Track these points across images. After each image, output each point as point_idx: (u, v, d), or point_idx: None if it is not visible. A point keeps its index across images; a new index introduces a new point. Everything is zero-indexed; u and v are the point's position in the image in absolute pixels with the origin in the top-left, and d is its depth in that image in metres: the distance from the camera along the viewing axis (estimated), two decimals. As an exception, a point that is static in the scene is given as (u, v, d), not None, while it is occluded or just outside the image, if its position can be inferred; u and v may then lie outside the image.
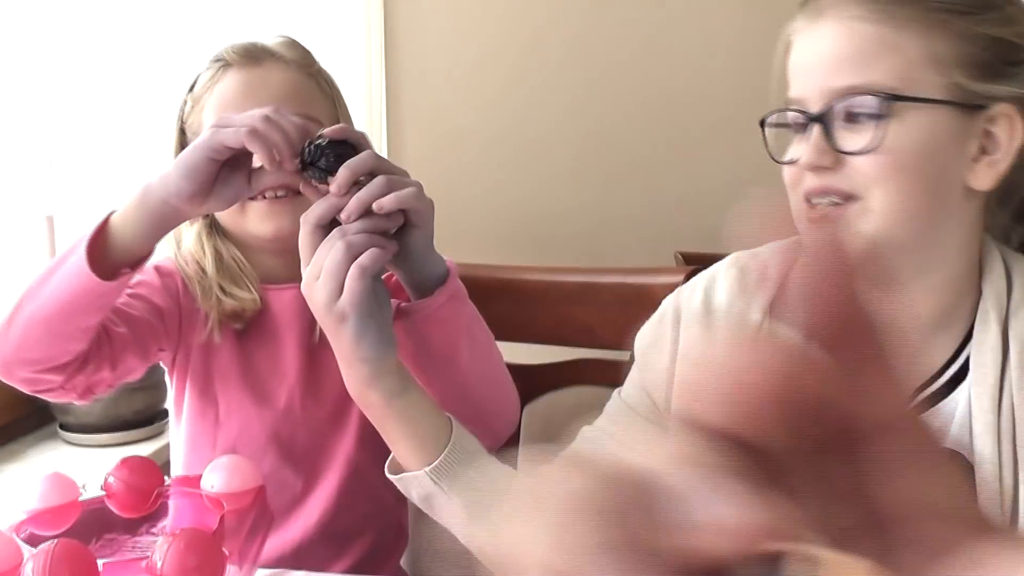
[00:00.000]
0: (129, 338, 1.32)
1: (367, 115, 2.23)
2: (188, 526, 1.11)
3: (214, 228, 1.44)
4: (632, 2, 2.24)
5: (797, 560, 0.46)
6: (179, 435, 1.49)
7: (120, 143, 1.94)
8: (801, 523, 0.46)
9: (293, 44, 1.46)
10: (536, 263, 1.66)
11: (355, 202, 1.10)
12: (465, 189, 2.27)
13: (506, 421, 1.39)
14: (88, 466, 1.81)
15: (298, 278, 1.14)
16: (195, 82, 1.43)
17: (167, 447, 1.58)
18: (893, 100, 1.00)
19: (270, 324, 1.45)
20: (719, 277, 1.25)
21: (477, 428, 1.24)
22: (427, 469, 1.16)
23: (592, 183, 2.26)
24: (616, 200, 2.25)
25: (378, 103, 2.27)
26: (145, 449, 1.89)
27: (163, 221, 1.20)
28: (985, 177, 1.04)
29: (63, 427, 1.94)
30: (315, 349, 1.44)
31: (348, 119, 1.49)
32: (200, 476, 1.17)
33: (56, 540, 0.95)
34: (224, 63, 1.40)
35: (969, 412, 1.10)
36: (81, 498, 1.16)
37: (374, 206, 1.11)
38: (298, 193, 1.22)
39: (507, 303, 1.59)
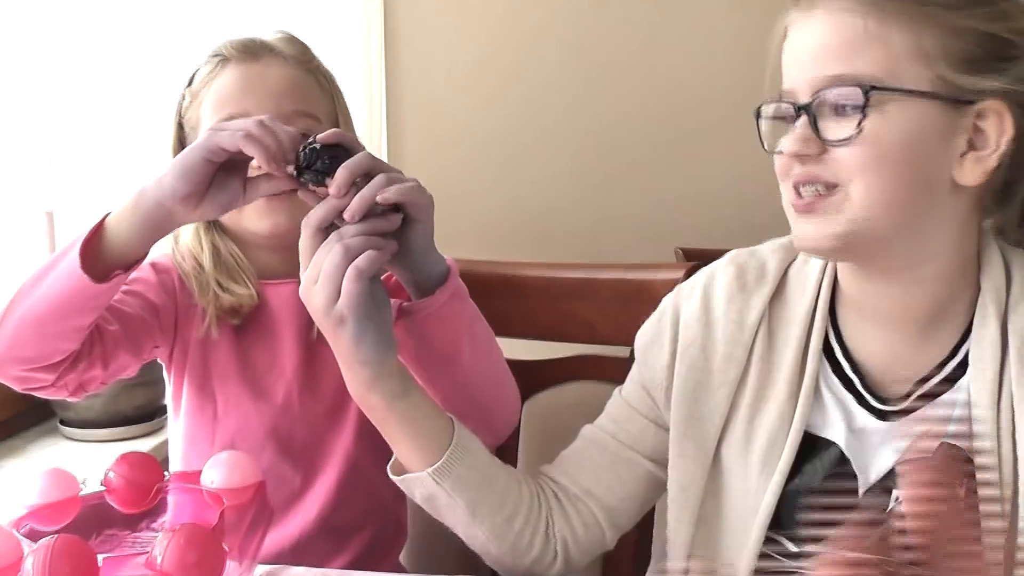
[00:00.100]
0: (121, 336, 1.32)
1: (367, 112, 2.23)
2: (188, 522, 1.11)
3: (212, 224, 1.44)
4: (632, 0, 2.23)
5: None
6: (177, 431, 1.49)
7: (120, 139, 1.94)
8: None
9: (291, 40, 1.46)
10: (536, 260, 1.65)
11: (358, 200, 1.10)
12: (465, 186, 2.27)
13: (507, 419, 1.39)
14: (88, 462, 1.80)
15: (296, 273, 1.14)
16: (193, 77, 1.43)
17: (167, 443, 1.58)
18: (874, 91, 1.01)
19: (268, 320, 1.45)
20: (717, 275, 1.26)
21: (478, 426, 1.25)
22: (429, 470, 1.17)
23: (592, 180, 2.26)
24: (616, 197, 2.25)
25: (378, 100, 2.26)
26: (145, 445, 1.89)
27: (157, 224, 1.19)
28: (972, 173, 1.05)
29: (63, 423, 1.94)
30: (313, 345, 1.44)
31: (347, 115, 1.49)
32: (200, 472, 1.17)
33: (56, 535, 0.95)
34: (222, 58, 1.41)
35: (969, 407, 1.10)
36: (81, 493, 1.16)
37: (379, 198, 1.11)
38: (295, 190, 1.22)
39: (507, 299, 1.59)
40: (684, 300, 1.26)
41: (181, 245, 1.44)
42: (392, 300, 1.19)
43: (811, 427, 1.17)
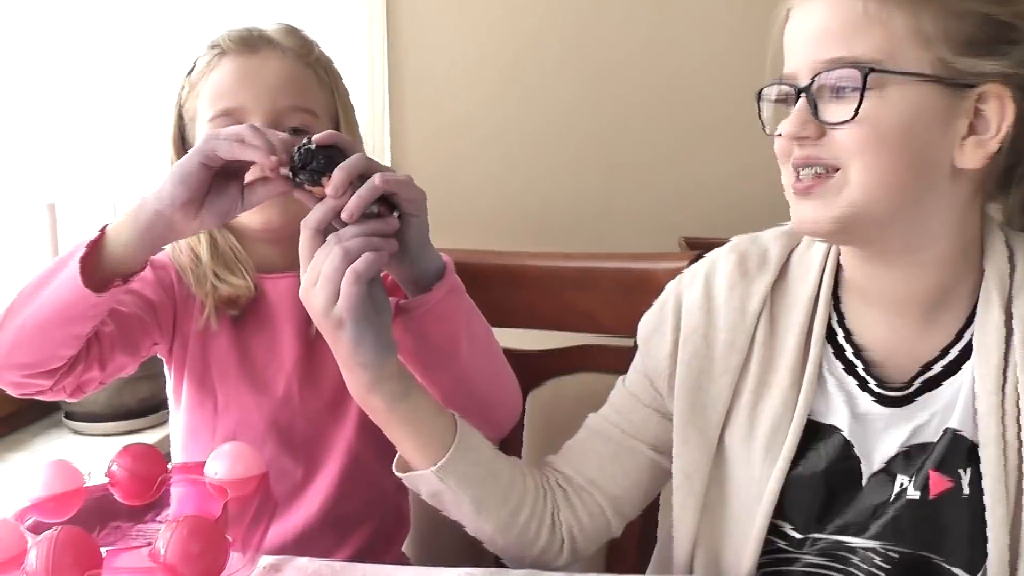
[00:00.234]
0: (118, 336, 1.32)
1: (369, 105, 2.22)
2: (191, 513, 1.11)
3: None
4: (636, -9, 2.23)
5: None
6: (178, 425, 1.49)
7: (122, 131, 1.94)
8: None
9: (291, 31, 1.45)
10: (539, 250, 1.65)
11: (355, 200, 1.10)
12: (468, 177, 2.27)
13: (508, 413, 1.39)
14: (93, 455, 1.81)
15: (294, 267, 1.14)
16: (193, 67, 1.43)
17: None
18: (873, 72, 1.01)
19: (267, 312, 1.45)
20: (719, 262, 1.26)
21: (480, 420, 1.25)
22: (433, 468, 1.17)
23: (596, 170, 2.26)
24: (620, 188, 2.25)
25: (380, 92, 2.26)
26: (150, 437, 1.89)
27: (157, 235, 1.19)
28: (973, 156, 1.04)
29: (68, 416, 1.94)
30: (313, 338, 1.43)
31: (348, 108, 1.49)
32: (203, 463, 1.17)
33: (59, 527, 0.95)
34: (220, 50, 1.40)
35: (973, 393, 1.10)
36: (85, 485, 1.16)
37: (377, 179, 1.11)
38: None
39: (509, 290, 1.59)
40: (686, 288, 1.26)
41: None
42: (390, 299, 1.19)
43: (814, 413, 1.17)
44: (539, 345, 1.62)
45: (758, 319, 1.20)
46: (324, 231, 1.12)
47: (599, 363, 1.58)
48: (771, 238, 1.26)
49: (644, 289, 1.36)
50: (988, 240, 1.13)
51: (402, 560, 1.57)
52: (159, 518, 1.21)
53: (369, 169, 1.12)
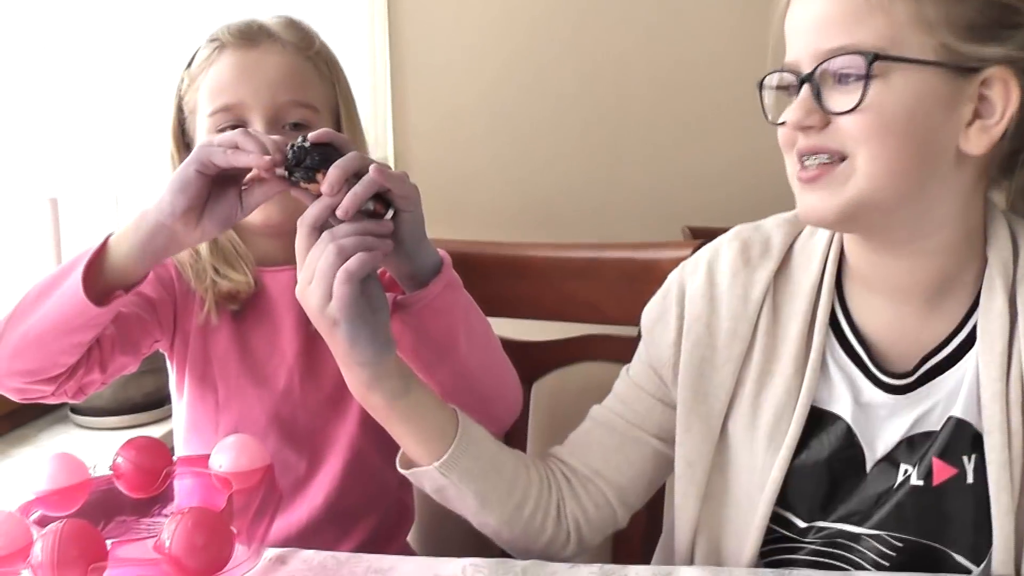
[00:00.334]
0: (118, 338, 1.32)
1: (371, 96, 2.22)
2: (196, 505, 1.11)
3: None
4: (640, -21, 2.23)
5: None
6: (180, 419, 1.50)
7: (123, 125, 1.93)
8: None
9: (291, 24, 1.44)
10: (542, 240, 1.65)
11: (351, 197, 1.09)
12: (470, 168, 2.26)
13: (508, 407, 1.39)
14: (98, 449, 1.81)
15: (295, 260, 1.13)
16: (192, 60, 1.42)
17: (176, 429, 1.58)
18: (877, 59, 1.00)
19: (267, 306, 1.45)
20: (722, 250, 1.26)
21: (480, 415, 1.25)
22: (436, 464, 1.17)
23: (599, 159, 2.25)
24: (623, 176, 2.24)
25: (382, 83, 2.26)
26: (155, 431, 1.89)
27: (158, 246, 1.19)
28: (978, 141, 1.04)
29: (73, 411, 1.94)
30: (313, 332, 1.43)
31: (349, 100, 1.48)
32: (208, 456, 1.18)
33: (64, 520, 0.96)
34: (220, 44, 1.39)
35: (977, 380, 1.10)
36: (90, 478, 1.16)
37: (373, 173, 1.11)
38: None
39: (513, 280, 1.59)
40: (689, 276, 1.26)
41: None
42: (387, 294, 1.19)
43: (817, 401, 1.17)
44: (542, 335, 1.62)
45: (761, 307, 1.20)
46: (320, 229, 1.11)
47: (603, 353, 1.58)
48: (774, 226, 1.26)
49: (647, 278, 1.36)
50: (991, 227, 1.13)
51: (407, 551, 1.57)
52: (165, 512, 1.21)
53: (364, 166, 1.12)
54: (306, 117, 1.38)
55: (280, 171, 1.13)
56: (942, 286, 1.12)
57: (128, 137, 1.93)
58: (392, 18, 2.25)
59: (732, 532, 1.20)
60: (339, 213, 1.09)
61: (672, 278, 1.29)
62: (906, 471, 1.12)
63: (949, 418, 1.11)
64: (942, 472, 1.11)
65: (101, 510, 1.17)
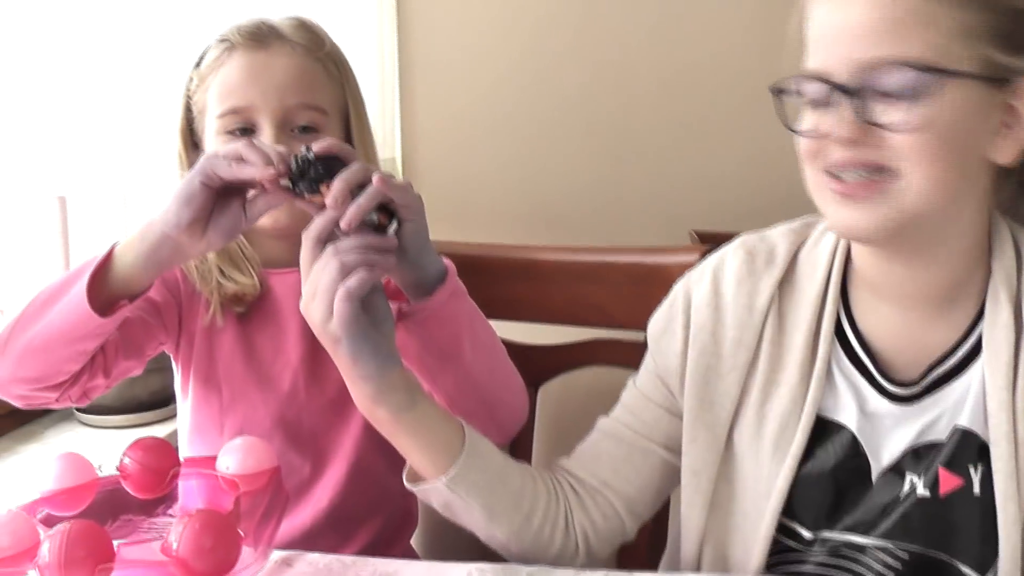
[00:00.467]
0: (121, 343, 1.33)
1: (379, 97, 2.22)
2: (203, 507, 1.11)
3: None
4: (647, -19, 2.22)
5: None
6: (184, 421, 1.50)
7: (132, 123, 1.94)
8: None
9: (301, 25, 1.44)
10: (550, 243, 1.65)
11: (354, 209, 1.09)
12: (478, 170, 2.26)
13: (514, 414, 1.39)
14: (104, 447, 1.81)
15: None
16: (201, 59, 1.42)
17: (182, 429, 1.58)
18: (937, 74, 0.99)
19: (273, 308, 1.45)
20: (727, 259, 1.25)
21: (486, 422, 1.25)
22: (443, 480, 1.16)
23: (606, 162, 2.25)
24: (630, 180, 2.24)
25: (391, 84, 2.25)
26: (161, 430, 1.89)
27: (163, 257, 1.20)
28: (1008, 151, 1.04)
29: (79, 409, 1.94)
30: None
31: (358, 102, 1.48)
32: (215, 457, 1.18)
33: (72, 521, 0.96)
34: (229, 44, 1.39)
35: (983, 390, 1.10)
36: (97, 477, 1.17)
37: (376, 182, 1.11)
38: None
39: (520, 283, 1.59)
40: (695, 285, 1.26)
41: None
42: (392, 304, 1.19)
43: (823, 410, 1.16)
44: (550, 339, 1.62)
45: (766, 316, 1.20)
46: (324, 241, 1.11)
47: (610, 357, 1.58)
48: (778, 235, 1.26)
49: (655, 282, 1.36)
50: (995, 236, 1.13)
51: (410, 554, 1.57)
52: (171, 511, 1.21)
53: (368, 177, 1.12)
54: (315, 120, 1.38)
55: (284, 182, 1.13)
56: (949, 294, 1.12)
57: (136, 136, 1.93)
58: (401, 19, 2.25)
59: (738, 541, 1.20)
60: (342, 225, 1.09)
61: (678, 287, 1.29)
62: (912, 481, 1.12)
63: (955, 428, 1.11)
64: (948, 482, 1.10)
65: (106, 509, 1.17)
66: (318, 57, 1.42)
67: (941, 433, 1.12)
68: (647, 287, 1.41)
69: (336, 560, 1.16)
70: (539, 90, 2.24)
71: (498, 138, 2.27)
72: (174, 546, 0.95)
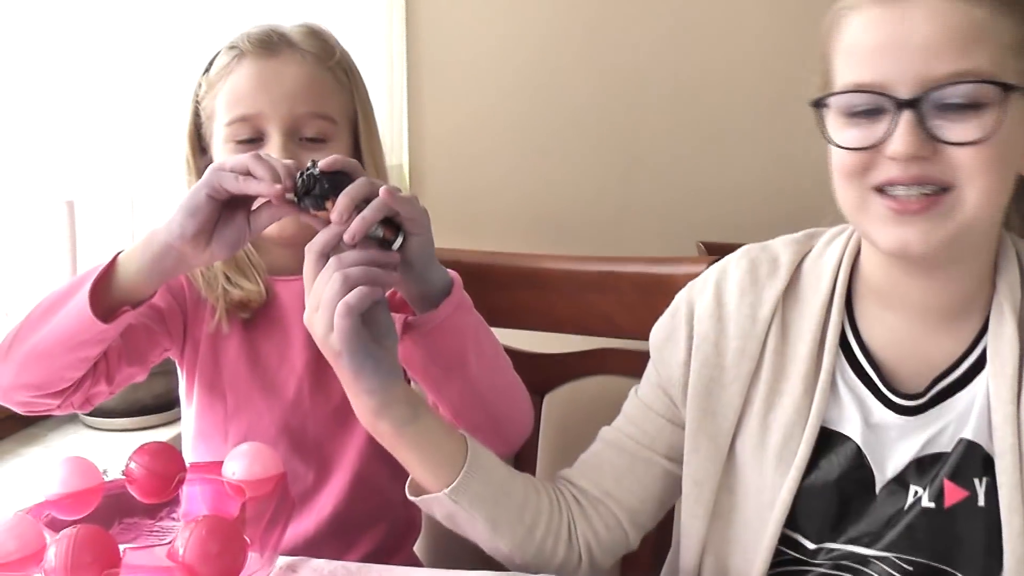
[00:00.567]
0: (124, 350, 1.33)
1: (388, 105, 2.22)
2: (209, 512, 1.11)
3: None
4: (655, -10, 2.23)
5: None
6: (189, 427, 1.50)
7: (140, 127, 1.94)
8: None
9: (312, 33, 1.43)
10: (557, 252, 1.65)
11: (359, 222, 1.10)
12: (486, 178, 2.26)
13: (519, 428, 1.38)
14: (108, 450, 1.81)
15: None
16: (211, 65, 1.42)
17: (187, 433, 1.58)
18: (1001, 88, 0.99)
19: (278, 315, 1.45)
20: (730, 269, 1.25)
21: (491, 435, 1.25)
22: (446, 491, 1.16)
23: (614, 172, 2.25)
24: (638, 190, 2.24)
25: (399, 92, 2.26)
26: (165, 434, 1.90)
27: (167, 266, 1.20)
28: None
29: (83, 412, 1.95)
30: None
31: (367, 110, 1.48)
32: (220, 462, 1.18)
33: (78, 526, 0.96)
34: (239, 51, 1.39)
35: (988, 402, 1.10)
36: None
37: (383, 194, 1.11)
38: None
39: (528, 292, 1.59)
40: (697, 295, 1.26)
41: None
42: (397, 315, 1.19)
43: (827, 422, 1.16)
44: (556, 347, 1.62)
45: (769, 326, 1.20)
46: (328, 255, 1.11)
47: (616, 367, 1.58)
48: (781, 245, 1.26)
49: (662, 292, 1.36)
50: (1001, 251, 1.13)
51: (413, 562, 1.57)
52: (175, 514, 1.21)
53: (374, 193, 1.12)
54: (324, 129, 1.38)
55: (290, 196, 1.13)
56: (958, 307, 1.12)
57: (144, 140, 1.93)
58: (409, 26, 2.26)
59: (740, 552, 1.20)
60: (346, 238, 1.10)
61: (680, 297, 1.29)
62: (916, 492, 1.12)
63: (960, 440, 1.11)
64: (953, 494, 1.10)
65: (110, 511, 1.17)
66: (328, 66, 1.41)
67: (945, 445, 1.12)
68: (654, 297, 1.40)
69: (341, 566, 1.16)
70: (547, 99, 2.24)
71: (506, 146, 2.28)
72: (180, 551, 0.95)
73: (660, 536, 1.49)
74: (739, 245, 1.29)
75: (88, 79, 1.87)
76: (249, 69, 1.38)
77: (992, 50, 0.99)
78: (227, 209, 1.18)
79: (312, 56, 1.40)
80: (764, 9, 2.09)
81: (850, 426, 1.15)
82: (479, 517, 1.18)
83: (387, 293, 1.17)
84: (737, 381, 1.20)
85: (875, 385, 1.15)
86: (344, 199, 1.10)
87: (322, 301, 1.09)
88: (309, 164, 1.13)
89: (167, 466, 1.18)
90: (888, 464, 1.13)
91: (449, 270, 1.26)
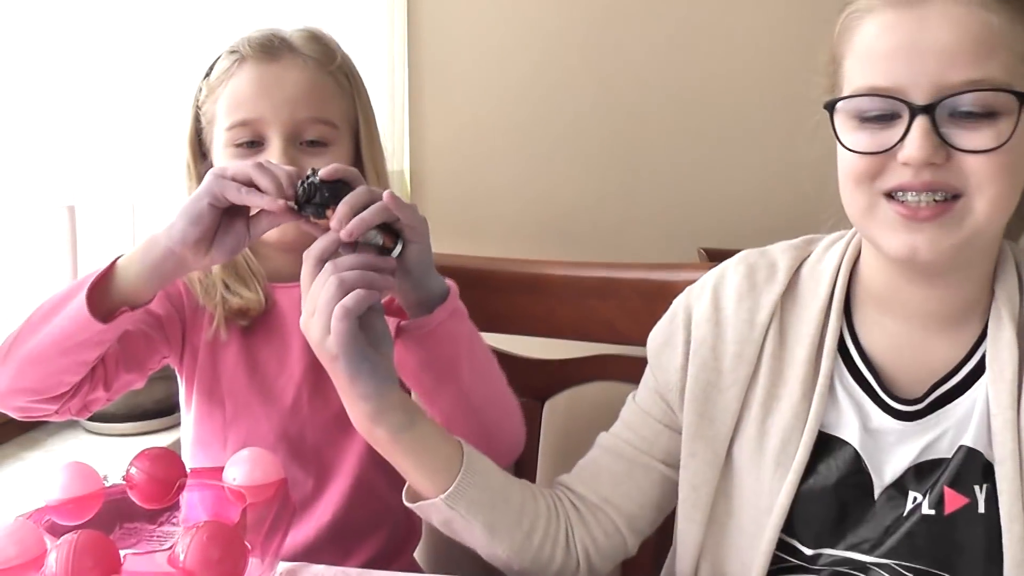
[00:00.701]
0: (122, 356, 1.33)
1: (389, 109, 2.22)
2: (209, 518, 1.11)
3: None
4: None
5: None
6: (188, 433, 1.50)
7: (141, 133, 1.94)
8: None
9: (313, 37, 1.43)
10: (558, 258, 1.65)
11: (357, 221, 1.11)
12: (487, 183, 2.26)
13: (511, 444, 1.38)
14: (108, 455, 1.81)
15: None
16: (211, 69, 1.42)
17: (186, 438, 1.58)
18: (1016, 97, 0.99)
19: (277, 322, 1.44)
20: (728, 274, 1.26)
21: (482, 449, 1.24)
22: (442, 497, 1.16)
23: (615, 178, 2.26)
24: (639, 196, 2.25)
25: (400, 97, 2.26)
26: (165, 439, 1.90)
27: (166, 271, 1.21)
28: None
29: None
30: None
31: (369, 115, 1.47)
32: (221, 468, 1.17)
33: (79, 531, 0.95)
34: (240, 56, 1.39)
35: (987, 409, 1.10)
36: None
37: (387, 197, 1.12)
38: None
39: (528, 297, 1.59)
40: (695, 300, 1.26)
41: None
42: (391, 319, 1.19)
43: (825, 426, 1.16)
44: (557, 353, 1.62)
45: (767, 331, 1.20)
46: (325, 262, 1.12)
47: (617, 373, 1.57)
48: (779, 251, 1.26)
49: (663, 298, 1.36)
50: (1000, 257, 1.14)
51: (413, 567, 1.57)
52: (174, 519, 1.21)
53: (374, 201, 1.13)
54: (325, 134, 1.38)
55: (290, 203, 1.14)
56: (957, 312, 1.13)
57: (145, 145, 1.93)
58: (411, 30, 2.26)
59: (737, 558, 1.20)
60: (343, 235, 1.10)
61: (678, 302, 1.29)
62: (915, 499, 1.12)
63: (960, 447, 1.11)
64: (954, 501, 1.10)
65: (110, 517, 1.17)
66: (329, 70, 1.41)
67: (945, 451, 1.12)
68: (655, 303, 1.40)
69: (341, 572, 1.16)
70: (549, 104, 2.25)
71: (507, 151, 2.28)
72: (181, 557, 0.94)
73: (660, 541, 1.48)
74: (740, 251, 1.29)
75: (89, 84, 1.87)
76: (250, 73, 1.38)
77: (1007, 58, 0.99)
78: (227, 215, 1.18)
79: (313, 61, 1.40)
80: (765, 17, 2.10)
81: (848, 431, 1.15)
82: (476, 523, 1.18)
83: (385, 300, 1.17)
84: (735, 386, 1.20)
85: (873, 390, 1.15)
86: (343, 207, 1.11)
87: (318, 305, 1.09)
88: (309, 172, 1.14)
89: (168, 471, 1.18)
90: (886, 469, 1.13)
91: (447, 279, 1.27)
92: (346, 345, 1.08)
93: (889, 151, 1.03)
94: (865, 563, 1.13)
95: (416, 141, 2.29)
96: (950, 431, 1.12)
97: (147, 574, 0.98)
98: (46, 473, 1.15)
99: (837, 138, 1.08)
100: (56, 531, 1.04)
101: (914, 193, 1.02)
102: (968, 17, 0.99)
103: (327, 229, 1.13)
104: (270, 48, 1.39)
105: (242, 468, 1.16)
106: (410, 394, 1.29)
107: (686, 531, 1.23)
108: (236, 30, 1.43)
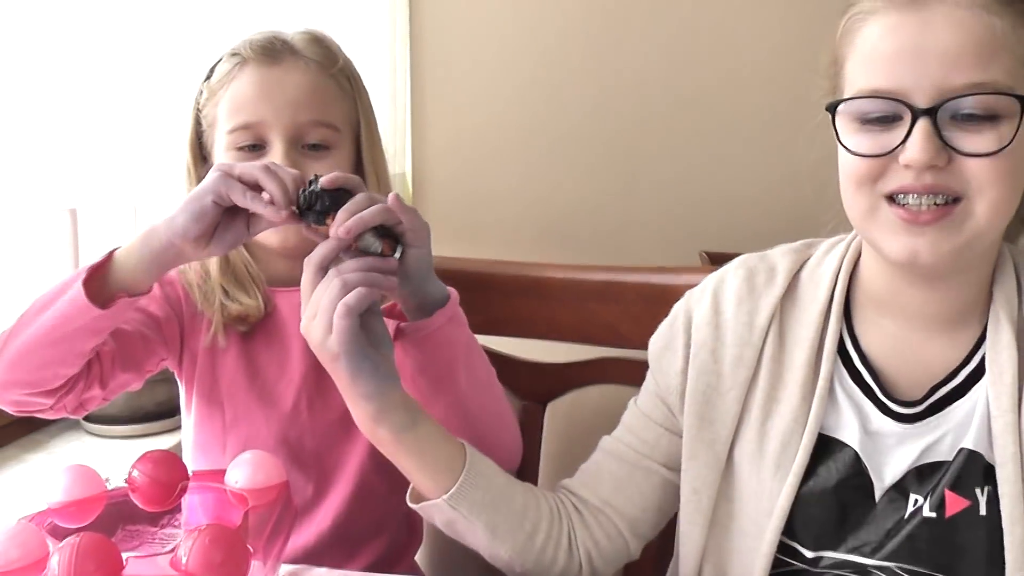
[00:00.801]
0: (118, 355, 1.33)
1: (391, 112, 2.23)
2: (211, 521, 1.11)
3: None
4: (658, 3, 2.23)
5: None
6: (188, 437, 1.49)
7: (143, 136, 1.94)
8: None
9: (315, 40, 1.43)
10: (560, 261, 1.65)
11: (356, 221, 1.11)
12: (489, 186, 2.27)
13: (507, 455, 1.37)
14: (110, 457, 1.81)
15: None
16: (212, 72, 1.42)
17: (188, 441, 1.58)
18: (1018, 100, 0.99)
19: (277, 327, 1.44)
20: (727, 278, 1.26)
21: None
22: (445, 497, 1.17)
23: (617, 181, 2.26)
24: (641, 199, 2.25)
25: (402, 100, 2.26)
26: (166, 441, 1.90)
27: (165, 261, 1.22)
28: None
29: (85, 418, 1.94)
30: None
31: (370, 117, 1.47)
32: (223, 471, 1.18)
33: (81, 534, 0.96)
34: (241, 59, 1.38)
35: (988, 412, 1.10)
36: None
37: (391, 199, 1.13)
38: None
39: (531, 301, 1.59)
40: (695, 304, 1.26)
41: None
42: (390, 321, 1.20)
43: (824, 428, 1.16)
44: (558, 356, 1.62)
45: (766, 334, 1.20)
46: (326, 269, 1.12)
47: (618, 375, 1.57)
48: (779, 254, 1.26)
49: (665, 302, 1.36)
50: (998, 260, 1.14)
51: (415, 571, 1.57)
52: (176, 521, 1.21)
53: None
54: (326, 137, 1.38)
55: (292, 208, 1.15)
56: (957, 315, 1.13)
57: (146, 148, 1.93)
58: (413, 34, 2.26)
59: (738, 560, 1.20)
60: (342, 232, 1.11)
61: (678, 306, 1.29)
62: (916, 501, 1.12)
63: (961, 450, 1.11)
64: (955, 504, 1.10)
65: (112, 520, 1.17)
66: (331, 73, 1.41)
67: (945, 453, 1.12)
68: (657, 306, 1.40)
69: (343, 574, 1.16)
70: (551, 108, 2.25)
71: (509, 155, 2.28)
72: (183, 560, 0.95)
73: (662, 545, 1.48)
74: (742, 254, 1.29)
75: (90, 87, 1.87)
76: (251, 76, 1.37)
77: (1010, 62, 0.99)
78: (228, 212, 1.19)
79: (315, 63, 1.40)
80: (766, 22, 2.10)
81: (848, 433, 1.15)
82: (479, 524, 1.18)
83: (386, 305, 1.17)
84: (735, 389, 1.20)
85: (873, 392, 1.15)
86: (344, 215, 1.12)
87: (320, 306, 1.09)
88: (311, 180, 1.14)
89: (170, 474, 1.18)
90: (886, 471, 1.13)
91: (448, 286, 1.27)
92: (347, 343, 1.09)
93: (890, 153, 1.03)
94: (866, 566, 1.13)
95: (418, 144, 2.29)
96: (950, 433, 1.12)
97: (149, 577, 0.98)
98: (48, 475, 1.15)
99: (838, 140, 1.08)
100: (58, 534, 1.04)
101: (915, 196, 1.02)
102: (971, 20, 0.99)
103: (328, 236, 1.13)
104: (272, 51, 1.38)
105: (244, 471, 1.16)
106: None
107: (688, 534, 1.23)
108: (237, 32, 1.43)
